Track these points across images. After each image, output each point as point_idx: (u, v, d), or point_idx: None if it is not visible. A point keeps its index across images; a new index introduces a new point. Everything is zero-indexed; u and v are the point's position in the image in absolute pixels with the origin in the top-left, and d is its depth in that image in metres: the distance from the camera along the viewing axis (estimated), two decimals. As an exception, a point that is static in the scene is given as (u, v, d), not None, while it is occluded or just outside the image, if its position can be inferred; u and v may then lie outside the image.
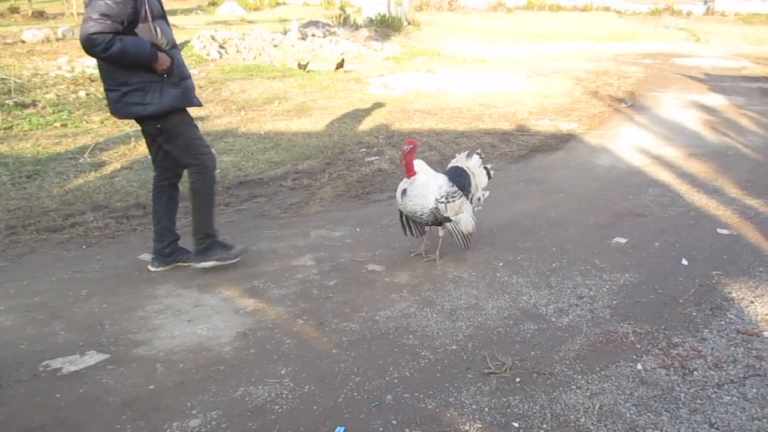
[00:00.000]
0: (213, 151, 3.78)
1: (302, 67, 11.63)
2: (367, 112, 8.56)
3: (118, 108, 3.39)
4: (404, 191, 3.75)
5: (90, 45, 3.09)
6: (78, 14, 24.05)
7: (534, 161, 6.56)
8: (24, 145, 6.29)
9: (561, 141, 7.40)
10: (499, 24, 24.22)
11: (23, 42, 13.90)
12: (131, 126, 7.24)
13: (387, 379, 2.78)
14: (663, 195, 5.41)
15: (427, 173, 3.79)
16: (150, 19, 3.32)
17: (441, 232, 4.03)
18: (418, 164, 3.78)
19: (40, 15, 24.50)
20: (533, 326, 3.26)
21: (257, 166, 5.99)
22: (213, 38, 12.94)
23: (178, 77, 3.44)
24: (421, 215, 3.79)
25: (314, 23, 16.51)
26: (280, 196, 5.27)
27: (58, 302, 3.43)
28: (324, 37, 14.92)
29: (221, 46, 12.77)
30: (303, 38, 14.44)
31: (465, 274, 3.87)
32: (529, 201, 5.29)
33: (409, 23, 20.89)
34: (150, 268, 3.84)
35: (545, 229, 4.64)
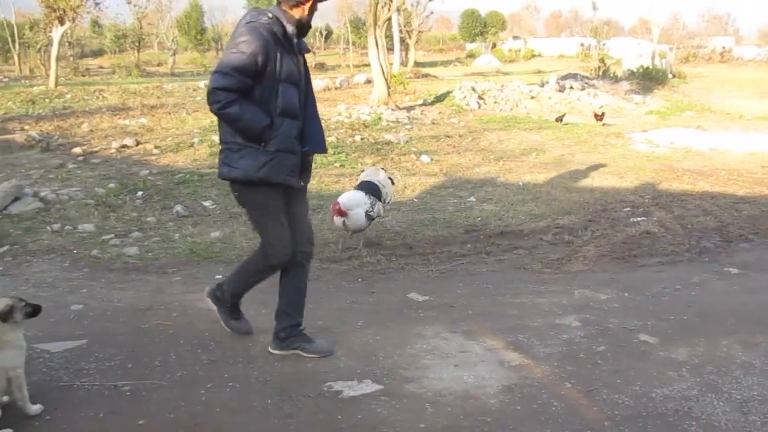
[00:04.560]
0: (287, 251, 3.26)
1: (559, 119, 11.60)
2: (629, 168, 8.16)
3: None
4: (343, 222, 5.01)
5: (214, 99, 2.95)
6: (354, 66, 26.96)
7: (843, 238, 5.61)
8: (311, 181, 7.11)
9: None
10: (783, 77, 21.58)
11: (308, 90, 15.89)
12: (399, 170, 7.80)
13: (669, 466, 2.53)
14: None
15: (352, 206, 5.00)
16: (278, 79, 3.03)
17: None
18: (345, 198, 5.07)
19: (321, 66, 27.84)
20: None
21: (517, 217, 6.02)
22: (473, 89, 13.51)
23: (274, 146, 3.06)
24: (361, 226, 5.07)
25: (572, 75, 16.37)
26: (540, 250, 5.21)
27: (339, 328, 3.75)
28: (582, 89, 14.67)
29: (480, 97, 13.26)
30: (560, 90, 14.36)
31: (757, 361, 3.39)
32: (837, 285, 4.52)
33: (674, 76, 19.68)
34: (270, 350, 3.41)
35: None
